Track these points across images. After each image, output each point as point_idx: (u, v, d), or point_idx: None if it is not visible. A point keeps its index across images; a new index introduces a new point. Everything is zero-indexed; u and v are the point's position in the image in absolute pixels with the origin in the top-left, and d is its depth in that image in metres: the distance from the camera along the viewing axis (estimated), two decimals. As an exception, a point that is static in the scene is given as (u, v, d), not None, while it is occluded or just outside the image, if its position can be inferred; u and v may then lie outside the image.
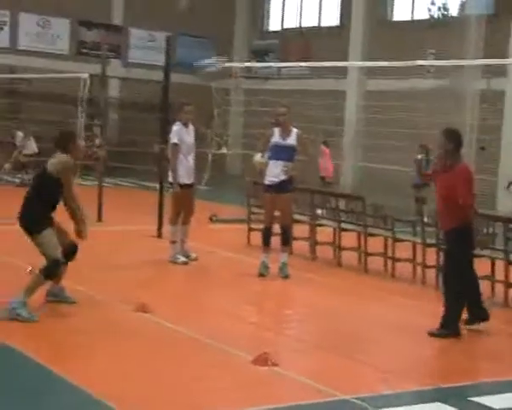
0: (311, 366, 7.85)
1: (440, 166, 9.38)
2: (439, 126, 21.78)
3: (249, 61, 29.49)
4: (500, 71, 21.88)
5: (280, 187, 11.67)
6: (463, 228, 9.05)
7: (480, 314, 9.30)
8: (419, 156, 19.77)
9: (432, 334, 8.95)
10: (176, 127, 12.38)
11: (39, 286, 8.79)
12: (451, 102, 22.11)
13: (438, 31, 24.26)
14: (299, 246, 13.85)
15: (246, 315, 9.68)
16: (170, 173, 12.48)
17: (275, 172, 11.70)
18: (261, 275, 11.66)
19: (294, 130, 11.85)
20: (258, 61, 29.66)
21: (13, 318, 8.42)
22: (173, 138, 12.33)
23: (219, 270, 12.33)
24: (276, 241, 12.20)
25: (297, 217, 13.89)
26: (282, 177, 11.64)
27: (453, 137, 9.23)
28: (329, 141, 22.67)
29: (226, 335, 8.49)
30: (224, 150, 18.39)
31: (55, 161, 8.89)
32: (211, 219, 17.37)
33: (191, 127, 12.52)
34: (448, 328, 8.96)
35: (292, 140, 11.75)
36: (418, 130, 22.38)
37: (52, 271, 8.76)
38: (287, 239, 12.18)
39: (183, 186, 12.25)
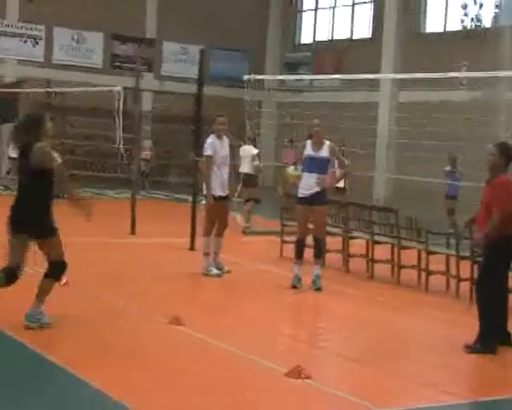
0: (345, 378, 7.83)
1: (487, 180, 9.30)
2: (471, 138, 21.76)
3: (281, 74, 29.53)
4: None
5: (313, 199, 11.68)
6: (498, 239, 8.96)
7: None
8: (447, 168, 19.72)
9: (468, 348, 8.87)
10: (210, 140, 12.44)
11: (50, 290, 8.67)
12: (485, 114, 21.98)
13: (471, 42, 24.17)
14: (332, 258, 13.83)
15: (279, 328, 9.69)
16: (204, 185, 12.54)
17: (308, 184, 11.72)
18: (294, 287, 11.66)
19: (327, 142, 11.88)
20: (290, 74, 29.69)
21: (35, 325, 8.46)
22: (207, 151, 12.38)
23: (252, 282, 12.34)
24: (308, 253, 12.19)
25: (330, 229, 13.88)
26: (316, 189, 11.65)
27: (505, 152, 9.13)
28: (363, 153, 22.66)
29: (259, 347, 8.49)
30: (256, 162, 18.36)
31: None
32: (244, 232, 17.40)
33: (225, 139, 12.56)
34: (484, 344, 8.88)
35: (324, 152, 11.78)
36: (450, 142, 22.29)
37: (60, 272, 8.66)
38: (320, 251, 12.17)
39: (216, 198, 12.30)
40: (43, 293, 8.60)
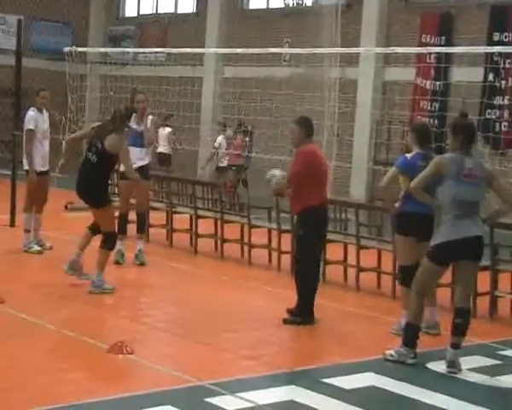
0: (167, 353, 7.85)
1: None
2: (296, 114, 22.17)
3: (105, 47, 29.08)
4: (353, 60, 22.39)
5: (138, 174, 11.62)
6: (302, 212, 9.27)
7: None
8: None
9: (286, 321, 9.11)
10: (31, 113, 12.10)
11: (106, 259, 10.01)
12: (308, 91, 22.47)
13: (293, 20, 24.60)
14: (156, 233, 13.81)
15: (100, 303, 9.58)
16: (25, 160, 12.18)
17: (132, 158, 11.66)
18: (117, 263, 11.56)
19: (150, 117, 11.86)
20: (114, 47, 29.29)
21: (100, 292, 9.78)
22: (29, 124, 12.04)
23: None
24: (132, 228, 12.13)
25: (154, 204, 13.85)
26: (139, 164, 11.58)
27: (304, 124, 9.38)
28: (187, 128, 22.71)
29: (80, 324, 8.40)
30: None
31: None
32: (66, 208, 17.07)
33: (46, 113, 12.27)
34: (301, 316, 9.15)
35: (143, 126, 11.76)
36: (275, 117, 22.68)
37: (111, 242, 10.07)
38: (142, 226, 12.15)
39: (38, 174, 12.00)
40: (100, 263, 9.94)
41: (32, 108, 12.12)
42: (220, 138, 20.79)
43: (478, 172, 7.61)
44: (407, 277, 8.35)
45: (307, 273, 9.26)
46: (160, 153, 21.52)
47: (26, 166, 12.12)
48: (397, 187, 8.79)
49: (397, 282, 9.10)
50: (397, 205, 8.80)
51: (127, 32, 30.79)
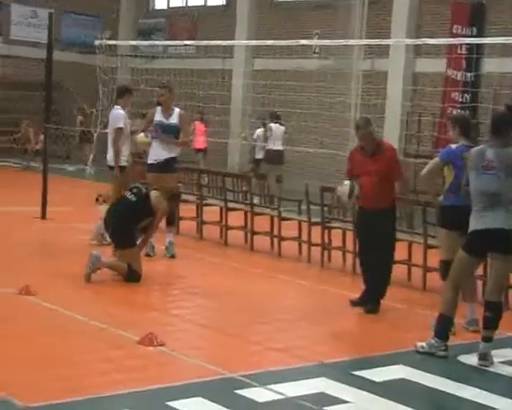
0: (198, 344, 7.87)
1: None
2: (325, 106, 22.13)
3: (135, 40, 29.14)
4: (383, 52, 22.29)
5: (164, 166, 11.66)
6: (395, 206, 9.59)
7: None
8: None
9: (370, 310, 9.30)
10: (121, 111, 12.19)
11: None
12: (337, 82, 22.43)
13: (322, 11, 24.52)
14: (186, 226, 13.85)
15: (131, 296, 9.63)
16: (110, 157, 12.17)
17: (158, 151, 11.71)
18: (147, 255, 11.60)
19: (177, 109, 11.87)
20: (144, 40, 29.37)
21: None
22: (119, 123, 12.08)
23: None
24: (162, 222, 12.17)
25: (184, 196, 13.88)
26: (166, 156, 11.63)
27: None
28: (218, 120, 22.79)
29: (112, 316, 8.44)
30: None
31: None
32: (97, 200, 17.13)
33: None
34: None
35: (174, 119, 11.76)
36: (305, 109, 22.65)
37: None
38: (172, 218, 12.19)
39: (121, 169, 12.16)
40: None
41: (118, 107, 12.23)
42: (259, 131, 20.74)
43: (497, 163, 7.53)
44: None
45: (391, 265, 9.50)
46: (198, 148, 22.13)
47: (110, 163, 12.18)
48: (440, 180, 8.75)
49: (440, 277, 9.03)
50: (440, 198, 8.74)
51: (157, 25, 30.87)
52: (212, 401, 6.19)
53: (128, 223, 10.18)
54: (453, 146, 8.67)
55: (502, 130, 7.65)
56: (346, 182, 9.47)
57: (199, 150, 22.55)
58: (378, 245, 9.35)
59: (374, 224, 9.30)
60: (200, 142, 22.43)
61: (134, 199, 10.27)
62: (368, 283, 9.49)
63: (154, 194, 10.43)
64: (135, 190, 10.38)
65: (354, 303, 9.50)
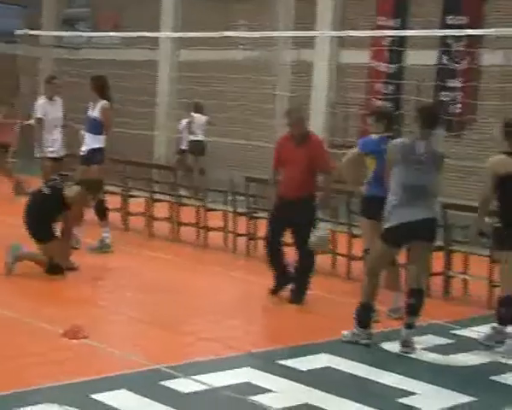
0: (124, 337, 7.86)
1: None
2: (251, 97, 22.13)
3: (58, 30, 28.74)
4: (308, 43, 22.39)
5: (87, 158, 11.57)
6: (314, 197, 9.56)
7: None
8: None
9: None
10: (40, 101, 12.24)
11: None
12: (263, 74, 22.47)
13: (249, 3, 24.53)
14: (111, 217, 13.70)
15: (58, 289, 9.53)
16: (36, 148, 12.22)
17: (84, 143, 11.64)
18: (74, 248, 11.45)
19: (101, 102, 11.75)
20: (67, 30, 28.97)
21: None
22: (37, 113, 12.15)
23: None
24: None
25: (108, 188, 13.75)
26: (90, 147, 11.56)
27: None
28: (143, 112, 22.61)
29: (36, 309, 8.34)
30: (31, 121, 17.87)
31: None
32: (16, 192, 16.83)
33: (59, 101, 12.56)
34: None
35: (96, 112, 11.66)
36: (232, 101, 22.65)
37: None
38: (100, 213, 12.07)
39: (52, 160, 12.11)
40: None
41: (42, 97, 12.14)
42: (184, 122, 20.64)
43: (429, 157, 7.66)
44: None
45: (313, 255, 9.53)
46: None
47: (36, 154, 12.08)
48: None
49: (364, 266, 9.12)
50: (363, 188, 8.81)
51: (81, 15, 30.50)
52: (137, 393, 6.17)
53: (42, 217, 9.96)
54: (374, 137, 8.77)
55: (431, 123, 7.76)
56: (321, 232, 9.47)
57: None
58: (299, 235, 9.40)
59: (294, 213, 9.28)
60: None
61: (48, 192, 10.09)
62: (278, 270, 9.53)
63: (72, 188, 10.21)
64: (50, 184, 10.21)
65: (273, 292, 9.54)
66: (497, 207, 7.95)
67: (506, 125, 7.93)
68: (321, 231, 9.44)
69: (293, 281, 9.49)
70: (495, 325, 7.96)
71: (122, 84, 21.50)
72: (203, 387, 6.43)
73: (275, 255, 9.55)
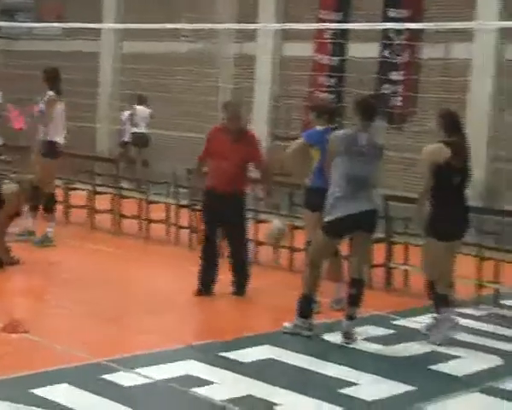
0: (65, 331, 7.76)
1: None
2: (194, 90, 22.06)
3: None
4: (251, 36, 22.38)
5: (41, 150, 11.52)
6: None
7: None
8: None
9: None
10: None
11: None
12: (206, 66, 22.42)
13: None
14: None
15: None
16: None
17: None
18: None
19: (48, 93, 11.66)
20: (6, 21, 28.55)
21: None
22: None
23: None
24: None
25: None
26: (41, 140, 11.47)
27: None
28: (85, 104, 22.42)
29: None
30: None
31: None
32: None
33: None
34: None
35: (43, 104, 11.58)
36: (175, 93, 22.57)
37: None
38: (34, 206, 11.94)
39: None
40: None
41: None
42: (126, 114, 20.49)
43: (370, 149, 7.73)
44: None
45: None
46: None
47: None
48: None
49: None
50: (307, 180, 8.84)
51: (21, 5, 30.09)
52: (78, 388, 6.13)
53: None
54: (319, 128, 8.81)
55: (370, 115, 7.83)
56: (276, 226, 9.47)
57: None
58: (232, 229, 9.40)
59: (225, 207, 9.20)
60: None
61: None
62: (210, 267, 9.47)
63: (9, 187, 10.09)
64: None
65: (200, 291, 9.40)
66: (431, 194, 8.02)
67: (441, 116, 8.05)
68: (278, 223, 9.49)
69: (233, 275, 9.48)
70: (436, 315, 8.07)
71: (64, 76, 21.34)
72: (145, 380, 6.42)
73: (211, 251, 9.49)
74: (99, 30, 25.11)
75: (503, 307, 9.60)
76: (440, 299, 7.96)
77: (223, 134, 9.36)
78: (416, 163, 15.46)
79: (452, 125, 7.93)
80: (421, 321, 8.48)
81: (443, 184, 7.86)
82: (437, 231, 7.87)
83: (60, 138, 11.69)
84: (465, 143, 8.01)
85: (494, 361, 7.54)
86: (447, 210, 7.88)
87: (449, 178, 7.86)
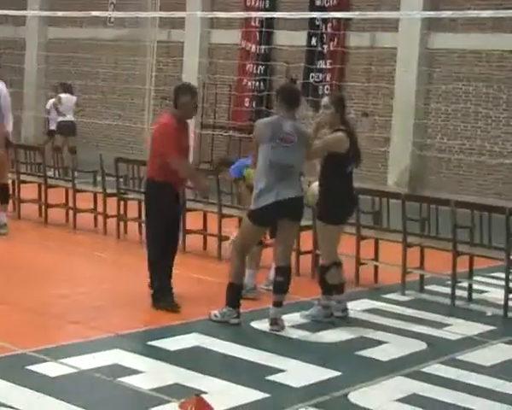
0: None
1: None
2: (121, 77, 21.90)
3: None
4: (179, 23, 22.28)
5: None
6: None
7: None
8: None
9: None
10: None
11: None
12: (133, 53, 22.28)
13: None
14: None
15: None
16: None
17: None
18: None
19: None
20: None
21: None
22: None
23: None
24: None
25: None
26: None
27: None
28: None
29: None
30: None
31: None
32: None
33: None
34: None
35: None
36: (101, 81, 22.40)
37: None
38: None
39: None
40: None
41: None
42: (51, 102, 20.22)
43: (295, 136, 7.77)
44: None
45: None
46: None
47: None
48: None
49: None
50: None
51: None
52: (2, 379, 6.03)
53: None
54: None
55: (293, 103, 7.88)
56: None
57: None
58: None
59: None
60: None
61: None
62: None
63: None
64: None
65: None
66: (325, 181, 8.20)
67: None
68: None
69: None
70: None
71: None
72: (71, 370, 6.36)
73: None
74: (25, 17, 24.75)
75: (427, 292, 9.77)
76: (327, 288, 8.31)
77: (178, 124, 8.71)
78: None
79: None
80: (350, 308, 8.57)
81: (340, 172, 8.11)
82: (333, 216, 8.14)
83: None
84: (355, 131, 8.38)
85: (419, 346, 7.68)
86: (341, 196, 8.15)
87: (345, 167, 8.13)
